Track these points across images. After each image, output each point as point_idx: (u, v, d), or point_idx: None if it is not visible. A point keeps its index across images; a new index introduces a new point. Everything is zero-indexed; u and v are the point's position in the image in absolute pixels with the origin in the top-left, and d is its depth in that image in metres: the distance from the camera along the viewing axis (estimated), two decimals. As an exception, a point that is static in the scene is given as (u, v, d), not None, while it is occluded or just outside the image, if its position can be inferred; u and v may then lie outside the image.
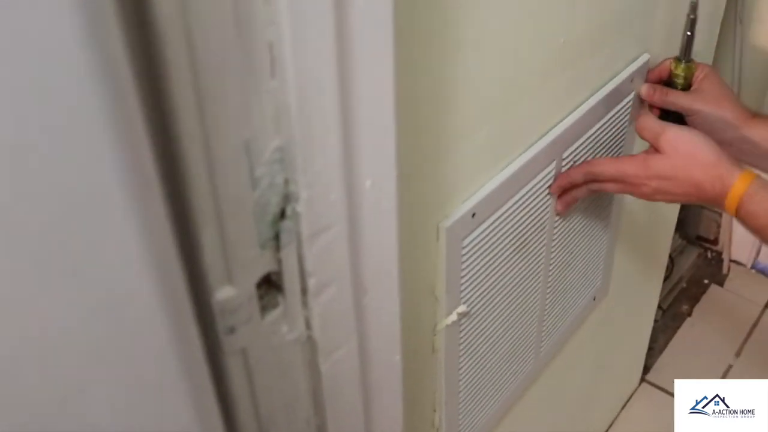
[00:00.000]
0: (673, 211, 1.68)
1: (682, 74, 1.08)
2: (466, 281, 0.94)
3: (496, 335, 1.06)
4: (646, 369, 1.99)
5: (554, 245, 1.11)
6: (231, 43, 0.46)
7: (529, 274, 1.08)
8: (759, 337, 2.08)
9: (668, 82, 1.11)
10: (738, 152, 1.02)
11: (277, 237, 0.55)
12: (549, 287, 1.16)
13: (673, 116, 1.07)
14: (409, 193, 0.80)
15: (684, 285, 2.16)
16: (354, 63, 0.53)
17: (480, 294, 0.97)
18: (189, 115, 0.46)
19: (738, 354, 2.05)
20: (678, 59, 1.09)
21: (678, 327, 2.12)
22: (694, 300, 2.19)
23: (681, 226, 2.21)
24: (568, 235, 1.15)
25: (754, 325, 2.12)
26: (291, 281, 0.57)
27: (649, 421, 1.89)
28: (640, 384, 1.97)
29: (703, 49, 1.42)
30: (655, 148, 0.98)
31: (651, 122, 0.99)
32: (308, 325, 0.60)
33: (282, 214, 0.54)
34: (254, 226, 0.53)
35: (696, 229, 2.26)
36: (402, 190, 0.78)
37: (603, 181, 1.01)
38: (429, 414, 1.03)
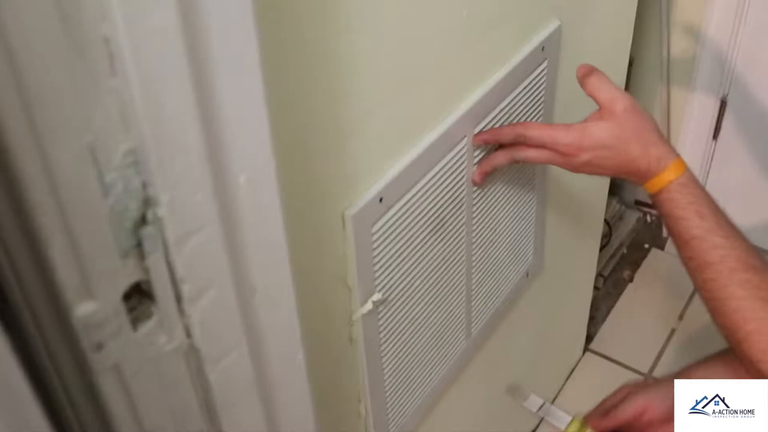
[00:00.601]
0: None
1: None
2: (381, 268, 0.91)
3: (420, 320, 1.04)
4: (589, 338, 1.98)
5: (476, 223, 1.09)
6: (57, 40, 0.42)
7: (450, 255, 1.06)
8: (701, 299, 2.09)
9: None
10: None
11: (140, 244, 0.51)
12: (474, 267, 1.14)
13: None
14: (307, 181, 0.77)
15: (624, 251, 2.15)
16: (209, 49, 0.50)
17: (397, 280, 0.95)
18: (17, 123, 0.42)
19: (681, 317, 2.05)
20: None
21: (620, 294, 2.12)
22: (635, 265, 2.18)
23: (618, 190, 2.21)
24: (491, 211, 1.12)
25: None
26: (162, 289, 0.53)
27: (594, 389, 1.87)
28: (583, 354, 1.96)
29: (619, 24, 1.40)
30: (601, 113, 0.95)
31: (608, 84, 0.96)
32: (189, 333, 0.57)
33: (143, 220, 0.51)
34: (111, 235, 0.49)
35: (634, 194, 2.26)
36: (298, 179, 0.75)
37: (531, 146, 0.98)
38: (354, 404, 1.00)
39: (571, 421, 0.96)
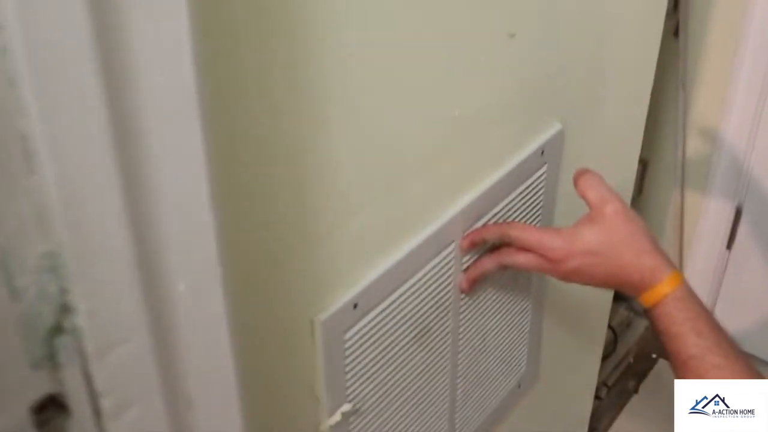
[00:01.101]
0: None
1: None
2: (353, 377, 0.86)
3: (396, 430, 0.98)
4: (590, 451, 1.90)
5: (463, 331, 1.04)
6: (-36, 135, 0.39)
7: (433, 365, 1.01)
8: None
9: None
10: None
11: (54, 355, 0.47)
12: (460, 377, 1.08)
13: None
14: (272, 283, 0.73)
15: (630, 360, 2.08)
16: (143, 142, 0.46)
17: (371, 390, 0.90)
18: None
19: (686, 432, 1.96)
20: None
21: (623, 405, 2.03)
22: (641, 376, 2.11)
23: (626, 296, 2.15)
24: (480, 319, 1.07)
25: (704, 402, 2.04)
26: (78, 404, 0.49)
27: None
28: (583, 468, 1.88)
29: (628, 127, 1.37)
30: (591, 216, 0.91)
31: (599, 184, 0.93)
32: (108, 452, 0.52)
33: (60, 328, 0.47)
34: (20, 343, 0.45)
35: (643, 301, 2.20)
36: (261, 281, 0.71)
37: (518, 251, 0.93)
38: None
39: None
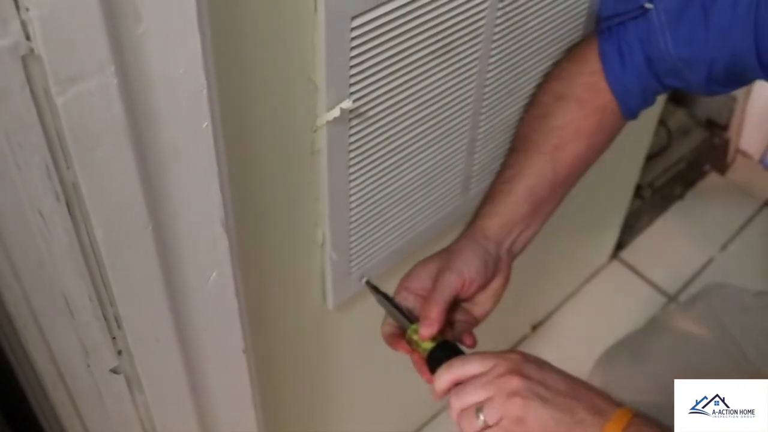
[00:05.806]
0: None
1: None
2: (359, 72, 0.79)
3: (404, 154, 0.92)
4: (621, 245, 1.85)
5: (494, 62, 0.96)
6: None
7: (454, 91, 0.93)
8: (750, 233, 1.92)
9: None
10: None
11: None
12: (483, 116, 1.01)
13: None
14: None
15: (682, 167, 1.99)
16: None
17: (378, 94, 0.82)
18: None
19: (723, 248, 1.90)
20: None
21: (666, 209, 1.96)
22: (690, 184, 2.02)
23: (689, 104, 2.03)
24: (517, 55, 0.99)
25: (748, 222, 1.95)
26: None
27: (613, 299, 1.75)
28: (610, 260, 1.83)
29: None
30: None
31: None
32: (28, 36, 0.46)
33: None
34: None
35: (707, 111, 2.07)
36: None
37: None
38: (310, 228, 0.90)
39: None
